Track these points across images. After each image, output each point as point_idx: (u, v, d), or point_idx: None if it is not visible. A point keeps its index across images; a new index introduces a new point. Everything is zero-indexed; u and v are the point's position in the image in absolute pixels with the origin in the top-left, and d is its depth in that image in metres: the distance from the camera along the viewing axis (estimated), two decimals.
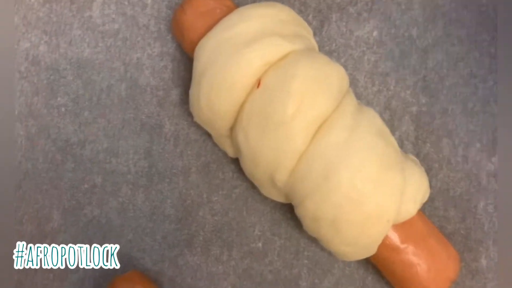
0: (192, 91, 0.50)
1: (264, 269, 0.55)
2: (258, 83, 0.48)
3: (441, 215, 0.54)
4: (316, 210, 0.47)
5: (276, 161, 0.48)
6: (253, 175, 0.50)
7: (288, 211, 0.55)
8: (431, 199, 0.54)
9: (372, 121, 0.48)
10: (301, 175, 0.47)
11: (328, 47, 0.56)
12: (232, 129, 0.50)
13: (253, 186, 0.56)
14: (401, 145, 0.55)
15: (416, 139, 0.55)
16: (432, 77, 0.55)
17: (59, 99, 0.57)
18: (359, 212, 0.46)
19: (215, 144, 0.56)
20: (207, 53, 0.48)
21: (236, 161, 0.56)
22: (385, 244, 0.48)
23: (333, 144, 0.47)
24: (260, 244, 0.55)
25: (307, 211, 0.48)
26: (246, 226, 0.55)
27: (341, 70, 0.49)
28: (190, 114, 0.56)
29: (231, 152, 0.53)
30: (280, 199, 0.52)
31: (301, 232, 0.55)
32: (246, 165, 0.50)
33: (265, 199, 0.55)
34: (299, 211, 0.49)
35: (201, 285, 0.55)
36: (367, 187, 0.46)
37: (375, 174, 0.46)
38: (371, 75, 0.56)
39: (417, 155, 0.55)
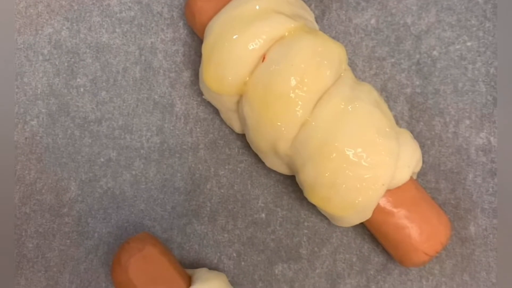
0: (202, 68, 0.55)
1: (267, 238, 0.58)
2: (263, 58, 0.52)
3: (432, 187, 0.57)
4: (316, 175, 0.51)
5: (278, 131, 0.51)
6: (258, 146, 0.54)
7: (290, 184, 0.59)
8: (423, 173, 0.57)
9: (369, 93, 0.52)
10: (301, 143, 0.51)
11: (328, 34, 0.61)
12: (239, 102, 0.54)
13: (257, 161, 0.59)
14: (397, 124, 0.59)
15: (410, 118, 0.59)
16: (425, 61, 0.59)
17: (78, 80, 0.61)
18: (356, 176, 0.50)
19: (222, 122, 0.60)
20: (216, 30, 0.53)
21: (241, 138, 0.60)
22: (379, 208, 0.52)
23: (332, 114, 0.51)
24: (263, 215, 0.59)
25: (307, 176, 0.52)
26: (250, 198, 0.59)
27: (341, 46, 0.53)
28: (199, 94, 0.60)
29: (237, 128, 0.57)
30: (282, 169, 0.55)
31: (301, 204, 0.59)
32: (251, 136, 0.54)
33: (268, 173, 0.59)
34: (300, 178, 0.53)
35: (207, 252, 0.58)
36: (364, 153, 0.50)
37: (371, 140, 0.50)
38: (368, 60, 0.60)
39: (411, 133, 0.58)
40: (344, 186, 0.50)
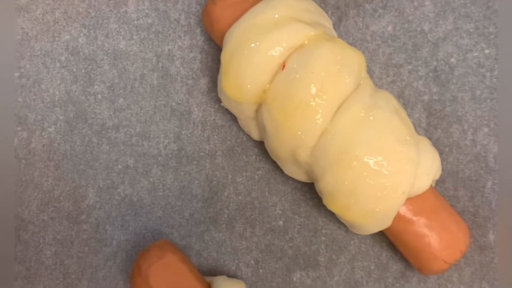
0: (221, 76, 0.55)
1: (285, 245, 0.58)
2: (283, 66, 0.52)
3: (451, 194, 0.57)
4: (335, 183, 0.51)
5: (298, 139, 0.51)
6: (277, 154, 0.54)
7: (308, 192, 0.59)
8: (442, 180, 0.57)
9: (388, 101, 0.52)
10: (321, 151, 0.51)
11: (345, 41, 0.61)
12: (258, 110, 0.54)
13: (275, 169, 0.59)
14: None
15: (428, 125, 0.59)
16: (442, 68, 0.59)
17: (96, 87, 0.61)
18: (376, 184, 0.50)
19: (240, 129, 0.60)
20: (236, 38, 0.53)
21: (259, 145, 0.60)
22: (399, 217, 0.52)
23: (351, 122, 0.51)
24: (281, 222, 0.59)
25: (326, 184, 0.52)
26: (268, 206, 0.59)
27: (360, 54, 0.53)
28: (216, 101, 0.60)
29: (255, 135, 0.57)
30: (301, 177, 0.55)
31: (319, 211, 0.59)
32: (270, 144, 0.54)
33: (286, 180, 0.59)
34: (319, 186, 0.53)
35: (225, 259, 0.58)
36: (384, 161, 0.50)
37: (391, 148, 0.50)
38: (385, 67, 0.60)
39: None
40: (364, 194, 0.50)
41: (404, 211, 0.52)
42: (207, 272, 0.58)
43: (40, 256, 0.58)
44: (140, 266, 0.51)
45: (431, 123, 0.59)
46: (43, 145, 0.60)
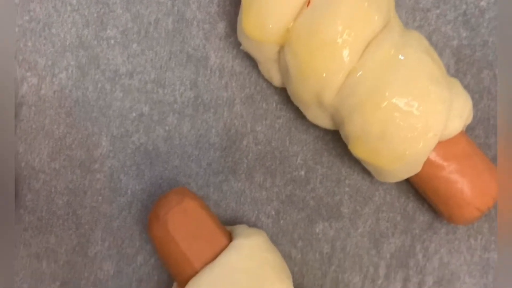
0: (241, 15, 0.52)
1: (307, 196, 0.56)
2: (308, 2, 0.49)
3: (482, 142, 0.55)
4: (364, 125, 0.48)
5: (324, 80, 0.49)
6: (300, 97, 0.52)
7: (331, 141, 0.57)
8: (472, 127, 0.55)
9: (420, 40, 0.49)
10: (348, 92, 0.49)
11: None
12: (281, 51, 0.52)
13: (296, 117, 0.57)
14: None
15: (457, 71, 0.56)
16: (472, 11, 0.56)
17: (108, 31, 0.58)
18: (407, 126, 0.47)
19: (259, 76, 0.57)
20: None
21: (280, 92, 0.57)
22: (430, 162, 0.49)
23: (381, 61, 0.48)
24: (302, 172, 0.56)
25: (354, 127, 0.49)
26: (288, 155, 0.56)
27: None
28: (235, 47, 0.57)
29: (277, 80, 0.55)
30: (325, 122, 0.53)
31: (342, 161, 0.56)
32: (293, 87, 0.52)
33: (308, 129, 0.57)
34: (345, 129, 0.50)
35: (245, 209, 0.56)
36: (415, 101, 0.47)
37: (423, 88, 0.47)
38: (412, 11, 0.57)
39: None
40: (394, 136, 0.48)
41: (434, 156, 0.50)
42: (226, 223, 0.55)
43: (51, 205, 0.56)
44: (158, 212, 0.49)
45: (460, 69, 0.56)
46: (54, 91, 0.57)
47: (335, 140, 0.56)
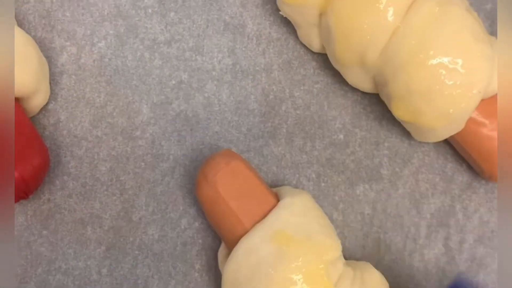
0: None
1: (346, 159, 0.57)
2: None
3: None
4: (408, 83, 0.49)
5: (368, 39, 0.50)
6: (343, 59, 0.52)
7: (368, 105, 0.57)
8: None
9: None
10: (392, 51, 0.49)
11: None
12: (322, 14, 0.52)
13: (334, 82, 0.58)
14: None
15: (492, 34, 0.57)
16: None
17: (145, 0, 0.59)
18: (452, 82, 0.48)
19: (296, 42, 0.58)
20: None
21: (317, 58, 0.58)
22: (472, 119, 0.50)
23: (425, 18, 0.49)
24: (341, 136, 0.57)
25: (397, 86, 0.50)
26: (327, 119, 0.57)
27: None
28: (272, 14, 0.58)
29: (316, 45, 0.55)
30: (366, 85, 0.54)
31: (381, 125, 0.57)
32: (336, 49, 0.52)
33: (346, 93, 0.57)
34: (389, 89, 0.51)
35: (286, 173, 0.57)
36: (460, 58, 0.48)
37: (467, 45, 0.48)
38: None
39: None
40: (438, 94, 0.48)
41: (476, 113, 0.50)
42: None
43: (95, 172, 0.56)
44: (206, 174, 0.49)
45: (495, 31, 0.57)
46: (94, 60, 0.58)
47: (373, 103, 0.57)
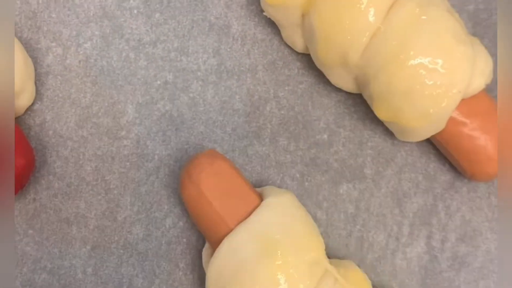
0: None
1: (330, 158, 0.57)
2: None
3: None
4: (389, 84, 0.50)
5: (349, 39, 0.50)
6: (325, 60, 0.53)
7: (352, 105, 0.58)
8: (490, 90, 0.56)
9: (442, 0, 0.51)
10: (373, 51, 0.50)
11: None
12: (305, 15, 0.53)
13: (318, 82, 0.58)
14: None
15: (474, 35, 0.57)
16: None
17: (131, 1, 0.59)
18: (432, 82, 0.49)
19: (281, 43, 0.58)
20: None
21: (301, 58, 0.58)
22: (452, 119, 0.51)
23: (406, 19, 0.49)
24: (325, 136, 0.57)
25: (379, 86, 0.50)
26: (311, 119, 0.58)
27: None
28: (256, 15, 0.59)
29: (299, 45, 0.56)
30: (349, 85, 0.54)
31: (364, 124, 0.58)
32: (318, 50, 0.53)
33: (330, 93, 0.58)
34: (370, 90, 0.51)
35: (270, 173, 0.57)
36: (440, 58, 0.48)
37: (447, 45, 0.49)
38: None
39: None
40: (419, 94, 0.49)
41: (457, 113, 0.51)
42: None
43: (80, 172, 0.57)
44: (190, 173, 0.50)
45: (477, 32, 0.58)
46: (79, 61, 0.58)
47: (356, 104, 0.58)
